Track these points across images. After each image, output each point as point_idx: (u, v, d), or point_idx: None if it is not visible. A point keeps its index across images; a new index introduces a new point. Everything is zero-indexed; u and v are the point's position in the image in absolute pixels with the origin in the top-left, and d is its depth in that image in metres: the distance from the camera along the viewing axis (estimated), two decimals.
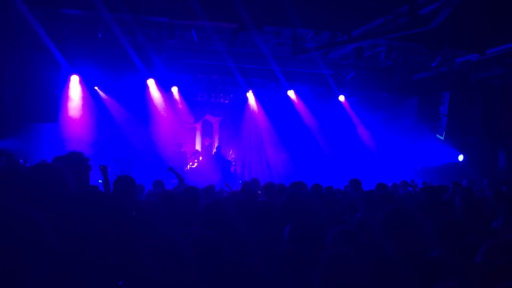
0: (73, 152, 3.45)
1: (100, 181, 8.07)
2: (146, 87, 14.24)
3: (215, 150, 15.84)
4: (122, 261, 1.62)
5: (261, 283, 2.16)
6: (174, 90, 14.87)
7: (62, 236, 1.39)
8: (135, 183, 4.48)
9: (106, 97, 14.16)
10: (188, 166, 14.91)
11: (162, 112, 14.87)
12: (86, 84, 13.36)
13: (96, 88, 13.87)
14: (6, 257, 1.16)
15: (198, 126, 16.64)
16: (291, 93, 15.33)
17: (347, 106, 15.93)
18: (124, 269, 1.62)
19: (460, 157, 14.01)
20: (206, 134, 16.77)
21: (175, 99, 15.10)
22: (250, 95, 15.63)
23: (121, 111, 14.41)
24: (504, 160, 13.30)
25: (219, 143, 16.41)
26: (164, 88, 14.58)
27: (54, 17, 9.92)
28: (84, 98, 13.37)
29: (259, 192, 6.94)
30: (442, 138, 13.85)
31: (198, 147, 16.44)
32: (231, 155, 16.22)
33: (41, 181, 1.94)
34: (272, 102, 16.17)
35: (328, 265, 2.34)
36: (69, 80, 12.97)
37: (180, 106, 15.35)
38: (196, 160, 15.24)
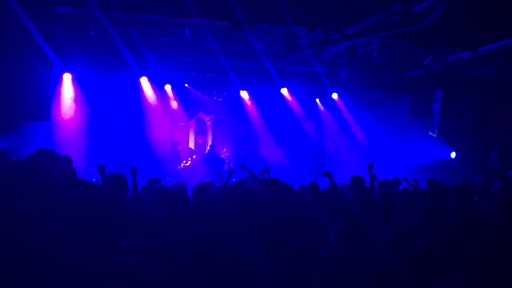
0: (41, 149, 3.42)
1: (94, 179, 8.07)
2: (139, 85, 14.19)
3: (208, 148, 15.82)
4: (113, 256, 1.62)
5: (255, 279, 2.17)
6: (168, 88, 14.84)
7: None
8: (127, 181, 4.49)
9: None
10: (182, 164, 14.87)
11: (155, 110, 14.84)
12: (79, 82, 13.29)
13: None
14: (20, 265, 1.14)
15: (192, 124, 16.61)
16: (284, 91, 15.35)
17: (340, 104, 15.97)
18: (115, 264, 1.62)
19: (453, 155, 14.10)
20: (200, 132, 16.75)
21: (168, 97, 15.09)
22: (243, 93, 15.65)
23: (114, 109, 14.36)
24: (496, 158, 13.40)
25: (212, 141, 16.40)
26: (157, 86, 14.55)
27: (46, 14, 9.85)
28: (76, 97, 13.31)
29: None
30: (435, 135, 13.92)
31: (191, 145, 16.41)
32: (224, 153, 16.21)
33: (25, 174, 1.92)
34: (266, 100, 16.17)
35: (327, 265, 2.33)
36: (62, 78, 12.90)
37: (174, 104, 15.32)
38: (189, 159, 15.22)
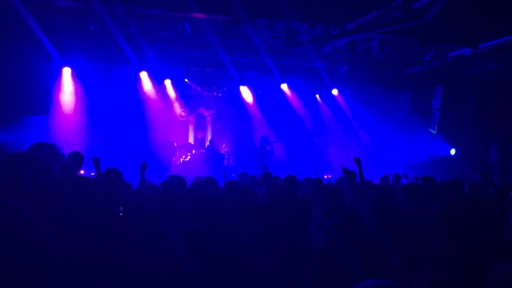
0: (40, 142, 3.39)
1: (92, 173, 8.05)
2: (138, 80, 14.17)
3: (208, 144, 15.82)
4: (110, 255, 1.61)
5: (256, 274, 2.16)
6: (167, 83, 14.82)
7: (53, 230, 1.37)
8: (121, 175, 4.48)
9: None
10: (181, 159, 14.87)
11: (155, 105, 14.83)
12: (78, 77, 13.26)
13: None
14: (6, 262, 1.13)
15: (191, 119, 16.60)
16: (284, 86, 15.33)
17: (340, 99, 15.95)
18: (112, 261, 1.61)
19: (452, 151, 14.10)
20: (199, 127, 16.74)
21: (168, 92, 15.07)
22: (243, 88, 15.63)
23: (114, 103, 14.34)
24: (495, 154, 13.41)
25: (212, 136, 16.38)
26: (157, 81, 14.52)
27: (46, 8, 9.82)
28: (76, 91, 13.28)
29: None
30: (435, 132, 13.93)
31: (191, 140, 16.40)
32: (224, 148, 16.21)
33: (24, 169, 1.90)
34: (266, 95, 16.16)
35: (318, 259, 2.31)
36: (61, 72, 12.88)
37: (173, 99, 15.31)
38: (189, 154, 15.21)
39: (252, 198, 4.67)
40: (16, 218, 1.20)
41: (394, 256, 2.66)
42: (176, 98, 15.39)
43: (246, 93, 15.82)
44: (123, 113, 14.48)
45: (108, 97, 14.21)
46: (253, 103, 16.06)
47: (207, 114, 16.75)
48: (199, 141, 16.46)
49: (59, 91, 12.91)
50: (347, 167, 6.33)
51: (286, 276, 2.69)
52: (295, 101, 16.06)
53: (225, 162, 15.30)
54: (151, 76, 14.24)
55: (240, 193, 4.79)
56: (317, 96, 16.51)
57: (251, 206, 4.10)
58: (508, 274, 1.95)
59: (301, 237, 3.19)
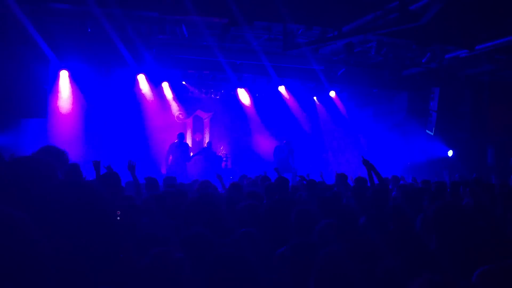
0: (47, 145, 3.39)
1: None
2: (136, 82, 14.16)
3: (205, 146, 15.80)
4: (108, 258, 1.61)
5: (256, 278, 2.16)
6: (165, 85, 14.82)
7: (50, 231, 1.37)
8: (120, 179, 4.48)
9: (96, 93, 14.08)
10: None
11: (153, 108, 14.81)
12: (76, 79, 13.24)
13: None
14: None
15: (189, 122, 16.59)
16: (282, 89, 15.34)
17: (337, 101, 15.97)
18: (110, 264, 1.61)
19: (450, 153, 14.12)
20: (197, 130, 16.73)
21: (166, 95, 15.06)
22: (241, 91, 15.63)
23: (111, 106, 14.32)
24: (493, 156, 13.43)
25: (210, 138, 16.37)
26: (155, 84, 14.51)
27: (43, 11, 9.81)
28: (73, 94, 13.26)
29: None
30: (432, 133, 13.94)
31: (189, 142, 16.39)
32: (222, 150, 16.20)
33: (27, 172, 1.90)
34: (263, 98, 16.17)
35: (323, 265, 2.29)
36: (59, 75, 12.85)
37: (171, 101, 15.30)
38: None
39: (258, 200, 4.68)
40: (7, 222, 1.19)
41: (391, 257, 2.66)
42: (174, 101, 15.39)
43: (243, 96, 15.82)
44: (121, 116, 14.47)
45: (106, 100, 14.20)
46: (250, 105, 16.06)
47: (205, 116, 16.75)
48: (197, 143, 16.46)
49: (57, 94, 12.89)
50: (342, 172, 6.39)
51: (286, 279, 2.68)
52: (292, 103, 16.07)
53: (223, 164, 15.29)
54: (149, 79, 14.23)
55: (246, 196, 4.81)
56: (315, 98, 16.54)
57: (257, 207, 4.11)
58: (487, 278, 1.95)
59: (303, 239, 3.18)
